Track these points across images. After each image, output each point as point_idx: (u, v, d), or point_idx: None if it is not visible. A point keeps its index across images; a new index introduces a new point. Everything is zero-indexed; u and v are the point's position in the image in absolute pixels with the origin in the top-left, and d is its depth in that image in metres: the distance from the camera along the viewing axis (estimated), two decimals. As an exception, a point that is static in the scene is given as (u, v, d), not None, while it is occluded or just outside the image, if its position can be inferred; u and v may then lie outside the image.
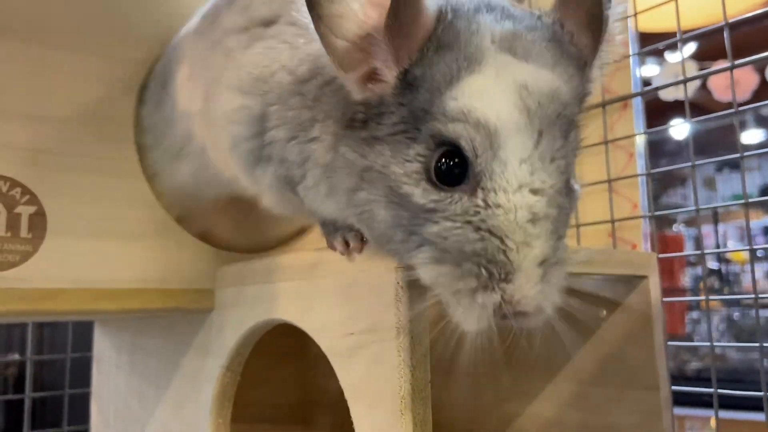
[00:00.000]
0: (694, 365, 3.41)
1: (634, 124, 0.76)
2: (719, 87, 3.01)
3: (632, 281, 0.64)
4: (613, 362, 0.66)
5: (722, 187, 4.23)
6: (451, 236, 0.40)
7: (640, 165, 0.75)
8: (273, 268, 0.59)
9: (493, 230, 0.39)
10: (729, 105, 0.73)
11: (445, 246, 0.40)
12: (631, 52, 0.78)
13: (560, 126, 0.41)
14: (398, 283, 0.46)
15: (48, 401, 1.02)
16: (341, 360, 0.51)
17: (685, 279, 4.14)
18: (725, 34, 0.72)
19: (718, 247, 3.50)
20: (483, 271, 0.39)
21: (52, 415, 1.00)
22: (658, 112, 0.81)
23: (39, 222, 0.57)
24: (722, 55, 0.73)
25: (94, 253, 0.60)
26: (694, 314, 4.04)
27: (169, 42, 0.67)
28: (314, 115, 0.47)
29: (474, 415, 0.78)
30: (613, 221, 0.77)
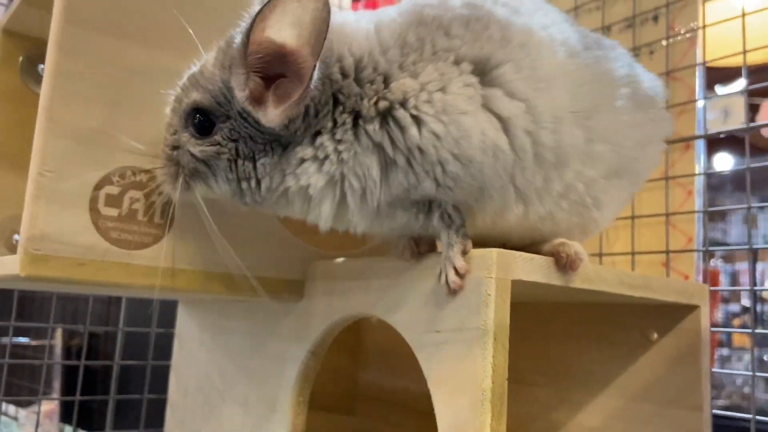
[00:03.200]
0: (720, 403, 3.38)
1: (695, 163, 0.82)
2: (767, 124, 3.00)
3: (685, 309, 0.70)
4: (660, 382, 0.72)
5: (763, 226, 4.18)
6: None
7: (698, 203, 0.81)
8: (366, 266, 0.66)
9: None
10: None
11: None
12: (697, 97, 0.84)
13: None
14: (485, 289, 0.53)
15: (131, 370, 1.12)
16: (426, 353, 0.58)
17: (718, 315, 4.10)
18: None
19: (754, 284, 3.46)
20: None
21: (134, 384, 1.09)
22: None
23: (168, 211, 0.65)
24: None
25: (209, 241, 0.68)
26: (724, 351, 3.99)
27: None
28: None
29: (521, 422, 0.85)
30: (668, 252, 0.83)
